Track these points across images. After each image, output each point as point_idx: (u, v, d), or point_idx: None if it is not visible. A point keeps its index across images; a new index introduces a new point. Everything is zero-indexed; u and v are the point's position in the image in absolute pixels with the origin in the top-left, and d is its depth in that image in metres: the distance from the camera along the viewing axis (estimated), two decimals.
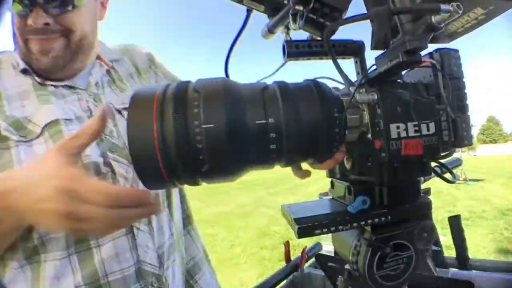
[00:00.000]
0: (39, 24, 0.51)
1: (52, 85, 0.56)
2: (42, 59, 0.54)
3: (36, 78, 0.56)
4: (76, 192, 0.35)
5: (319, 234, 0.36)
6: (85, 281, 0.48)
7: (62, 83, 0.57)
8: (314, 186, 8.07)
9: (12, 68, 0.56)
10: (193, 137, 0.31)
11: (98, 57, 0.65)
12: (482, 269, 0.88)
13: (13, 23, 0.54)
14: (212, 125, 0.32)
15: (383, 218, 0.37)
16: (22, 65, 0.56)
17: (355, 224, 0.36)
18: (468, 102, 0.42)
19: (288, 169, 0.41)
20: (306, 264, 1.04)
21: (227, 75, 0.42)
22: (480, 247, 3.37)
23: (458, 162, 0.60)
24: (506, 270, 0.83)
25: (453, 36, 0.41)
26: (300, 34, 0.42)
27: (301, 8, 0.32)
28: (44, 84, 0.56)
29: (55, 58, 0.54)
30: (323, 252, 1.11)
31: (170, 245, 0.61)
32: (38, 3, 0.50)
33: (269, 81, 0.38)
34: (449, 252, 0.95)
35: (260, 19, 0.44)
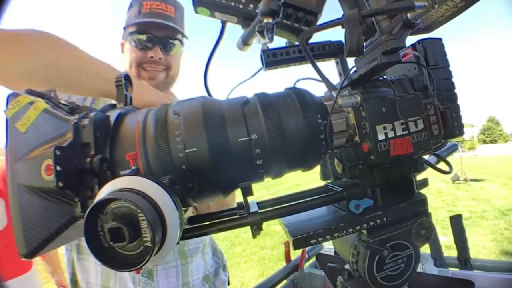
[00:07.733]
0: (157, 57, 0.77)
1: None
2: (149, 83, 0.74)
3: None
4: None
5: (315, 243, 0.35)
6: None
7: None
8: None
9: None
10: (178, 162, 0.31)
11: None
12: (482, 269, 0.87)
13: (130, 54, 0.77)
14: (195, 149, 0.31)
15: (378, 221, 0.36)
16: None
17: (350, 230, 0.35)
18: (456, 91, 0.41)
19: None
20: (306, 264, 1.05)
21: (207, 91, 0.41)
22: (480, 247, 3.36)
23: (454, 148, 0.58)
24: (506, 270, 0.82)
25: (433, 26, 0.40)
26: (278, 40, 0.41)
27: (270, 20, 0.31)
28: None
29: (157, 85, 0.75)
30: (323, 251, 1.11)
31: None
32: (158, 43, 0.77)
33: (249, 89, 0.37)
34: (449, 252, 0.94)
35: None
